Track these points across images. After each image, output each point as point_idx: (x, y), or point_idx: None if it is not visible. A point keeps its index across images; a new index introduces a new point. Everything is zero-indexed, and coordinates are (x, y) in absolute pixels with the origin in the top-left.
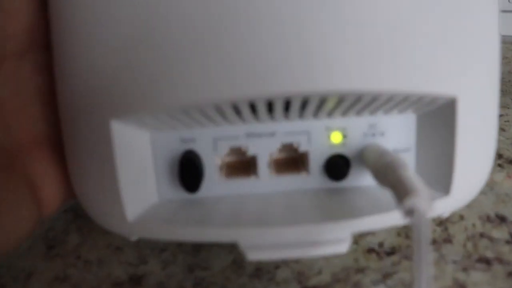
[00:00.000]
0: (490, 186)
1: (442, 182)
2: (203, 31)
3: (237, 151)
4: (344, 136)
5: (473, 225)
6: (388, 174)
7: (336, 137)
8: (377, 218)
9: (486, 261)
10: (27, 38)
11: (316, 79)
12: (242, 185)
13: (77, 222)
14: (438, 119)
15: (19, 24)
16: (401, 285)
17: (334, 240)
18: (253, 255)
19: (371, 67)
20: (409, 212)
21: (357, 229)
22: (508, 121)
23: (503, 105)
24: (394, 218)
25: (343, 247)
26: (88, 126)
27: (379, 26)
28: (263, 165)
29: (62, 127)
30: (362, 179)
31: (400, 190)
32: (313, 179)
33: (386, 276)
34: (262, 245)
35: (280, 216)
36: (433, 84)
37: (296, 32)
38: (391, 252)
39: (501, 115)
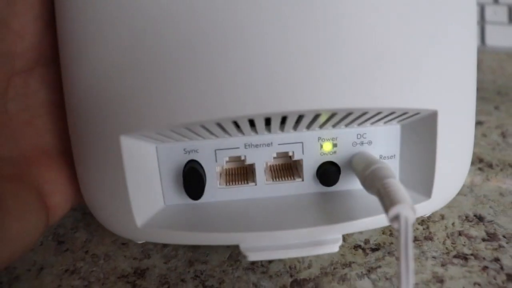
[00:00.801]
0: (470, 188)
1: (424, 187)
2: (206, 55)
3: (236, 160)
4: (335, 145)
5: (453, 224)
6: (374, 182)
7: (327, 146)
8: (366, 221)
9: (463, 257)
10: (34, 55)
11: (311, 98)
12: (241, 191)
13: (85, 220)
14: (420, 130)
15: (27, 43)
16: (384, 278)
17: (327, 242)
18: (253, 257)
19: (360, 87)
20: (395, 219)
21: (348, 231)
22: (489, 127)
23: (485, 112)
24: (381, 221)
25: (335, 247)
26: (98, 140)
27: (368, 50)
28: (260, 172)
29: (72, 140)
30: (352, 184)
31: (386, 199)
32: (306, 184)
33: (370, 270)
34: (261, 247)
35: (277, 221)
36: (416, 100)
37: (291, 56)
38: (376, 248)
39: (483, 122)
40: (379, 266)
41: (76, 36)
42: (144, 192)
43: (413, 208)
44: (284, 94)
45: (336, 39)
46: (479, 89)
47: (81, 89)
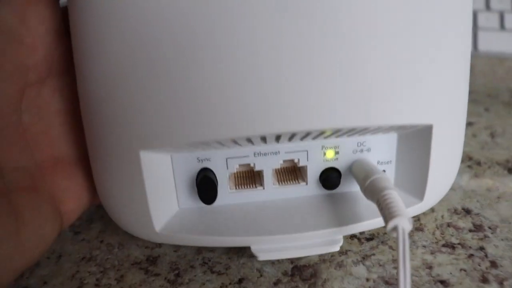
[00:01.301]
0: (459, 184)
1: (417, 190)
2: (223, 77)
3: (246, 167)
4: (337, 153)
5: (442, 216)
6: (374, 193)
7: (330, 154)
8: (364, 224)
9: (451, 246)
10: (46, 67)
11: (319, 118)
12: (250, 195)
13: (100, 212)
14: (416, 139)
15: (39, 55)
16: (378, 265)
17: (329, 242)
18: (263, 257)
19: (364, 108)
20: (393, 230)
21: (348, 233)
22: (479, 128)
23: (476, 114)
24: (378, 223)
25: (337, 247)
26: (118, 154)
27: (371, 74)
28: (268, 177)
29: (90, 151)
30: (351, 186)
31: (385, 211)
32: (310, 188)
33: (365, 257)
34: (270, 249)
35: (285, 225)
36: (414, 116)
37: (302, 82)
38: (370, 238)
39: (473, 123)
40: (373, 254)
41: (94, 56)
42: (161, 199)
43: (410, 220)
44: (295, 116)
45: (342, 66)
46: (471, 92)
47: (100, 106)
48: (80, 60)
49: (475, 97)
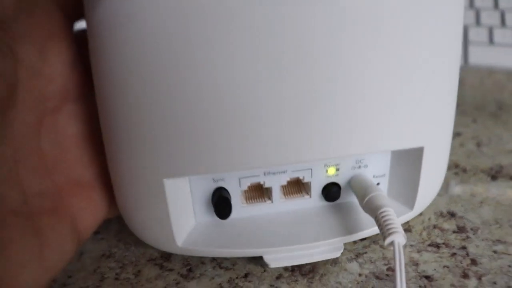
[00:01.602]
0: (445, 189)
1: (408, 200)
2: (242, 118)
3: (256, 184)
4: (337, 169)
5: (429, 219)
6: (372, 209)
7: (331, 171)
8: (363, 232)
9: (436, 245)
10: (62, 95)
11: (324, 150)
12: (260, 208)
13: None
14: (407, 157)
15: (56, 85)
16: (370, 262)
17: (333, 250)
18: (274, 264)
19: (363, 138)
20: (390, 244)
21: (348, 241)
22: (466, 138)
23: (464, 125)
24: (375, 231)
25: (338, 254)
26: (142, 182)
27: (368, 108)
28: (276, 193)
29: (112, 175)
30: (350, 197)
31: (383, 227)
32: (313, 200)
33: (358, 255)
34: (280, 258)
35: (292, 236)
36: (408, 141)
37: (307, 120)
38: (364, 238)
39: (461, 133)
40: (366, 252)
41: (116, 90)
42: (181, 217)
43: (404, 235)
44: (305, 149)
45: (342, 104)
46: (460, 104)
47: (124, 139)
48: (102, 93)
49: (464, 109)
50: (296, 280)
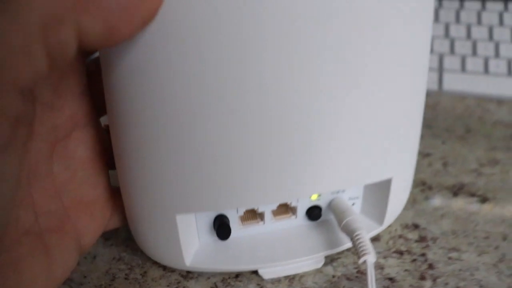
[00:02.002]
0: (412, 204)
1: (378, 218)
2: (247, 168)
3: (251, 210)
4: (319, 195)
5: (396, 230)
6: (349, 231)
7: (314, 196)
8: (341, 247)
9: (400, 252)
10: (72, 124)
11: (310, 189)
12: (254, 228)
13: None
14: (378, 184)
15: (66, 116)
16: (342, 266)
17: (316, 262)
18: (268, 276)
19: (341, 177)
20: (363, 262)
21: (329, 254)
22: (435, 158)
23: (434, 147)
24: (349, 245)
25: (320, 265)
26: (156, 216)
27: (346, 153)
28: (267, 215)
29: (126, 202)
30: (329, 216)
31: (358, 248)
32: (299, 220)
33: (332, 260)
34: (273, 271)
35: (282, 253)
36: (379, 176)
37: (299, 163)
38: None
39: (430, 154)
40: (339, 257)
41: (130, 127)
42: (188, 240)
43: (374, 255)
44: (294, 190)
45: (324, 152)
46: (432, 127)
47: (138, 176)
48: (116, 130)
49: (435, 132)
50: (279, 281)
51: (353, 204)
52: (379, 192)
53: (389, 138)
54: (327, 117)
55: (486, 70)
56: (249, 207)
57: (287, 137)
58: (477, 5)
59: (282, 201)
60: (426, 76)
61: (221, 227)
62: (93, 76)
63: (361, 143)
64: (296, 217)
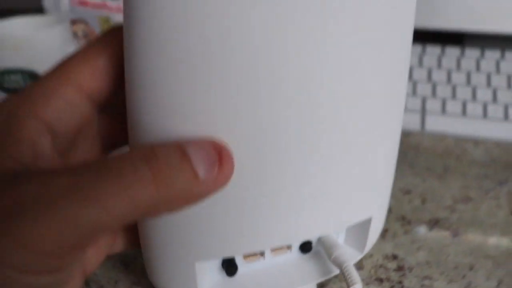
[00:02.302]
0: (392, 237)
1: (359, 247)
2: (258, 215)
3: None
4: None
5: (377, 260)
6: (338, 264)
7: None
8: (330, 275)
9: (380, 280)
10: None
11: (303, 235)
12: (255, 263)
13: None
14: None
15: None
16: None
17: None
18: None
19: (328, 223)
20: None
21: (320, 281)
22: (415, 195)
23: (414, 185)
24: (338, 272)
25: None
26: (174, 262)
27: (332, 202)
28: (267, 252)
29: (144, 253)
30: (319, 248)
31: (347, 279)
32: (293, 253)
33: (322, 285)
34: None
35: (282, 283)
36: (360, 217)
37: (287, 214)
38: None
39: (411, 191)
40: (328, 284)
41: None
42: (202, 280)
43: (360, 283)
44: (292, 236)
45: (317, 203)
46: (414, 166)
47: (160, 226)
48: None
49: (416, 170)
50: None
51: (338, 237)
52: (360, 227)
53: (370, 184)
54: (319, 175)
55: (464, 112)
56: (259, 250)
57: (290, 193)
58: (457, 52)
59: (282, 244)
60: (401, 123)
61: (230, 266)
62: None
63: (347, 192)
64: (291, 251)
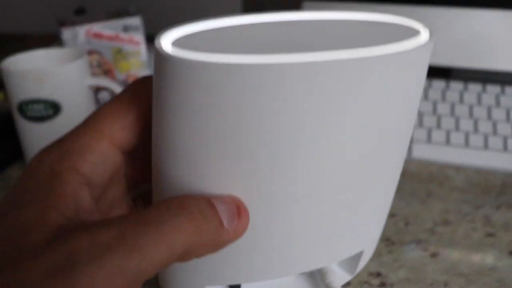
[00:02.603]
0: (377, 256)
1: (351, 270)
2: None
3: None
4: None
5: (363, 276)
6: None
7: None
8: None
9: None
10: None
11: (301, 266)
12: (257, 284)
13: None
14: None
15: None
16: None
17: None
18: None
19: (325, 259)
20: None
21: None
22: (399, 218)
23: (399, 208)
24: None
25: None
26: (187, 285)
27: (329, 244)
28: None
29: (160, 275)
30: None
31: None
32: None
33: None
34: None
35: None
36: (354, 251)
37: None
38: None
39: (396, 214)
40: None
41: None
42: None
43: None
44: (292, 269)
45: (312, 240)
46: (400, 190)
47: None
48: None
49: (402, 195)
50: None
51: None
52: (353, 257)
53: (366, 226)
54: (321, 222)
55: (448, 141)
56: (266, 279)
57: (293, 237)
58: (442, 84)
59: (284, 276)
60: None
61: (234, 286)
62: None
63: (345, 234)
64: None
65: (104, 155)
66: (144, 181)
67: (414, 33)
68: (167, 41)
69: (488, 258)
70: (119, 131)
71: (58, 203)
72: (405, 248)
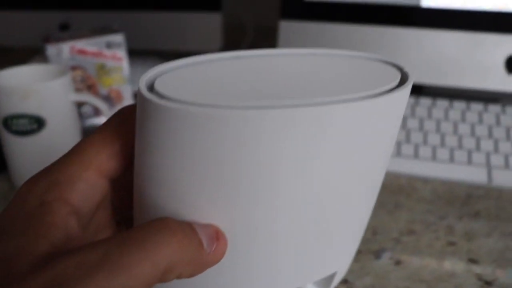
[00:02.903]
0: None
1: (327, 285)
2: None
3: None
4: None
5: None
6: None
7: None
8: None
9: None
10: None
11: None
12: None
13: None
14: None
15: None
16: None
17: None
18: None
19: (300, 281)
20: None
21: None
22: (368, 228)
23: (379, 219)
24: None
25: None
26: None
27: (308, 262)
28: None
29: None
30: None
31: None
32: None
33: None
34: None
35: None
36: (327, 272)
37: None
38: None
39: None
40: None
41: None
42: None
43: None
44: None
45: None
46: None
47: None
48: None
49: (381, 205)
50: None
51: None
52: (326, 277)
53: (341, 250)
54: (299, 250)
55: (416, 154)
56: None
57: (272, 263)
58: (412, 100)
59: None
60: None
61: None
62: None
63: (321, 259)
64: None
65: (92, 185)
66: (130, 206)
67: (393, 76)
68: (147, 83)
69: (448, 266)
70: (106, 160)
71: (47, 233)
72: (371, 257)
